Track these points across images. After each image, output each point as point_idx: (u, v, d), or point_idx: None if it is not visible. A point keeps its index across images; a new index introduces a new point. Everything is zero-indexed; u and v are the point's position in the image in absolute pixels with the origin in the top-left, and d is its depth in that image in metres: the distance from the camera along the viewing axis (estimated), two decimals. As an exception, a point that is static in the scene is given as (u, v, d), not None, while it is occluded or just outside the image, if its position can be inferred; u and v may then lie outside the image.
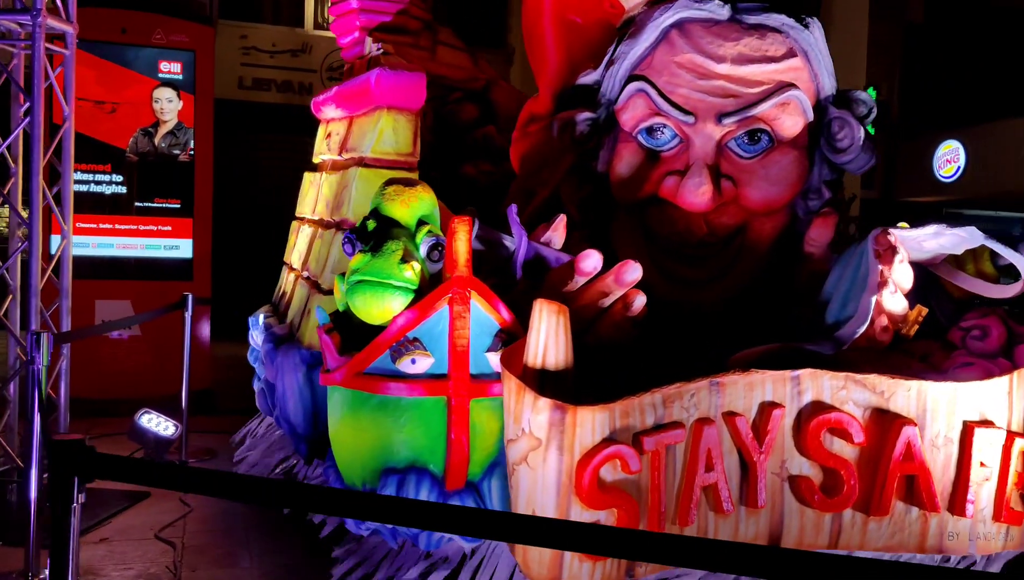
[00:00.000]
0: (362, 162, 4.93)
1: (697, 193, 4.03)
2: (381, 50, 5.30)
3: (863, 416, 3.56)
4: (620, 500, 3.10)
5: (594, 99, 4.47)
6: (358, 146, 5.04)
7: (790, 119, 4.06)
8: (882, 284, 3.78)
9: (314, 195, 5.81)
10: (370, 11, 5.75)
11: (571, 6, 5.12)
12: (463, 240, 3.17)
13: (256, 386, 5.67)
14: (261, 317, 5.78)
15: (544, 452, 3.03)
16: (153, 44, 7.57)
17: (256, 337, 5.95)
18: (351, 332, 3.71)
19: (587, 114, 4.29)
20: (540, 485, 3.04)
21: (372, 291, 3.25)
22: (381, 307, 3.25)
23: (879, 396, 3.56)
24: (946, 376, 3.67)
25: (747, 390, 3.48)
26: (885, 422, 3.53)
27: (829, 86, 4.21)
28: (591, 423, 3.05)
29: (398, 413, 3.34)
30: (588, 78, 4.49)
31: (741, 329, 4.21)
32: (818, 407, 3.52)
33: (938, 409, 3.51)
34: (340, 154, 5.40)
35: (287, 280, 5.88)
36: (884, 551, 3.69)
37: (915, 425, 3.42)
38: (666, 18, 4.09)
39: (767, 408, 3.49)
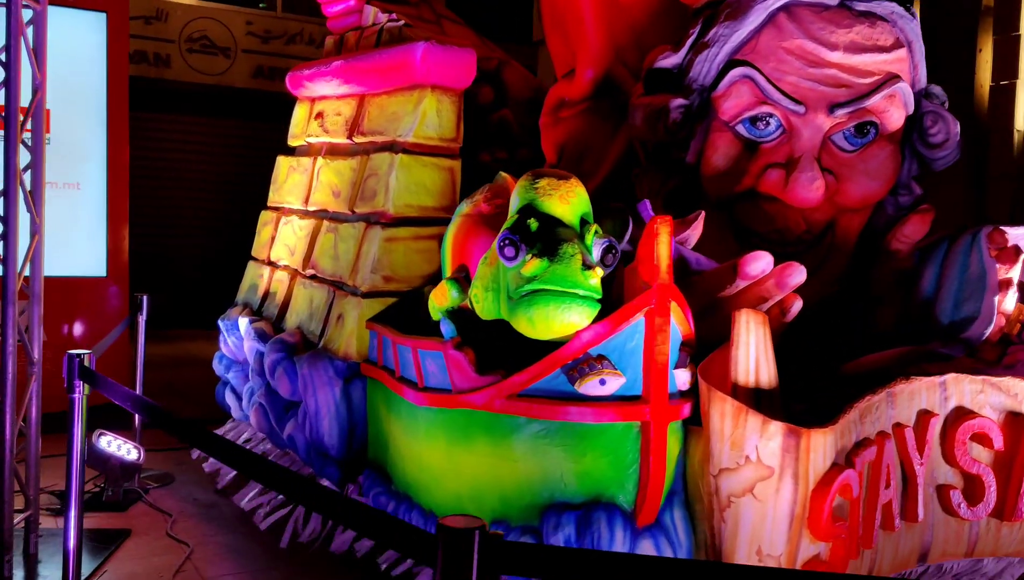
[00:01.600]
0: (396, 147, 4.37)
1: (811, 188, 3.80)
2: (401, 21, 4.73)
3: (999, 420, 3.47)
4: (841, 529, 2.83)
5: (672, 84, 4.14)
6: (387, 129, 4.48)
7: (896, 112, 3.91)
8: (1005, 284, 3.71)
9: (304, 183, 5.15)
10: (368, -23, 5.14)
11: (612, -17, 4.77)
12: (665, 243, 2.77)
13: (249, 400, 4.97)
14: (244, 321, 5.07)
15: (777, 482, 2.71)
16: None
17: (232, 343, 5.24)
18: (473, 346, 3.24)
19: (681, 101, 3.96)
20: (770, 518, 2.72)
21: (556, 302, 2.79)
22: (566, 320, 2.80)
23: (1013, 399, 3.48)
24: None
25: (909, 399, 3.30)
26: (1018, 425, 3.45)
27: (923, 78, 4.09)
28: (823, 447, 2.76)
29: (575, 441, 2.90)
30: (667, 61, 4.15)
31: (831, 331, 4.04)
32: (961, 413, 3.39)
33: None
34: (351, 137, 4.79)
35: (274, 279, 5.19)
36: (1015, 555, 3.64)
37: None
38: (775, 0, 3.83)
39: (923, 417, 3.32)
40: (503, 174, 3.74)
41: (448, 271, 3.71)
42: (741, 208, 4.03)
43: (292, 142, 5.48)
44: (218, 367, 5.49)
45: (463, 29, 5.38)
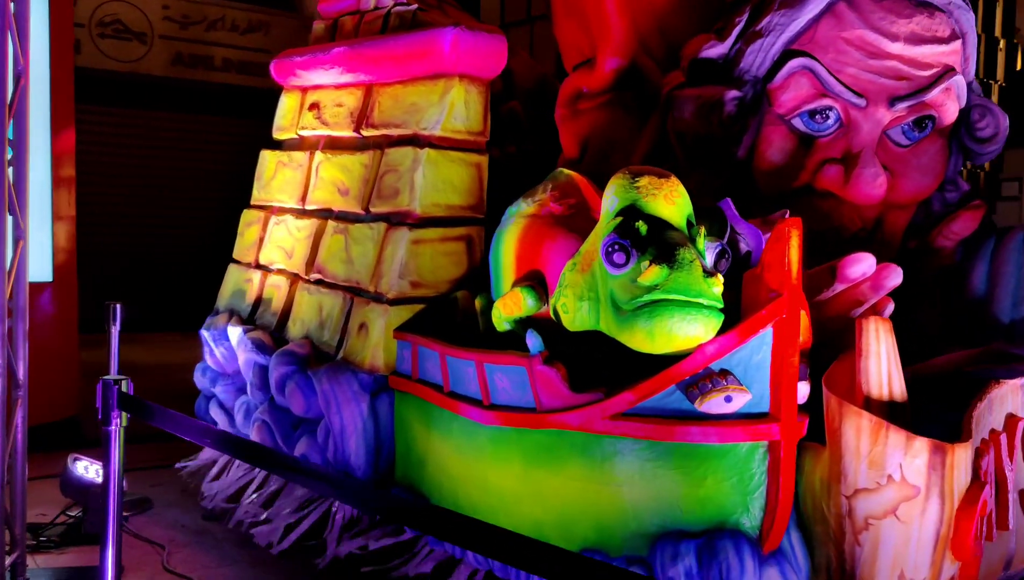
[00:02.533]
0: (420, 141, 4.04)
1: (875, 184, 3.67)
2: (413, 5, 4.38)
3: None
4: (980, 548, 2.68)
5: (717, 75, 3.94)
6: (406, 121, 4.13)
7: (952, 105, 3.80)
8: (1067, 284, 3.64)
9: (299, 179, 4.74)
10: (369, -42, 4.76)
11: (633, -32, 4.53)
12: (796, 247, 2.55)
13: (246, 417, 4.56)
14: (235, 331, 4.65)
15: (923, 502, 2.53)
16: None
17: (221, 354, 4.81)
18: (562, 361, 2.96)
19: (735, 92, 3.76)
20: (914, 540, 2.55)
21: (681, 313, 2.53)
22: (691, 332, 2.55)
23: (1083, 399, 3.41)
24: None
25: (999, 403, 3.18)
26: (1088, 426, 3.38)
27: (973, 70, 4.00)
28: (964, 463, 2.60)
29: (693, 464, 2.66)
30: (713, 51, 3.94)
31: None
32: (1041, 414, 3.30)
33: None
34: (358, 131, 4.42)
35: (267, 284, 4.77)
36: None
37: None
38: (837, -14, 3.67)
39: (1010, 421, 3.21)
40: (566, 171, 3.47)
41: (506, 278, 3.40)
42: (795, 205, 3.85)
43: (279, 135, 5.06)
44: (201, 380, 5.05)
45: (462, 14, 5.05)
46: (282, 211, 4.85)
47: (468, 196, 4.10)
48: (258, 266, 4.92)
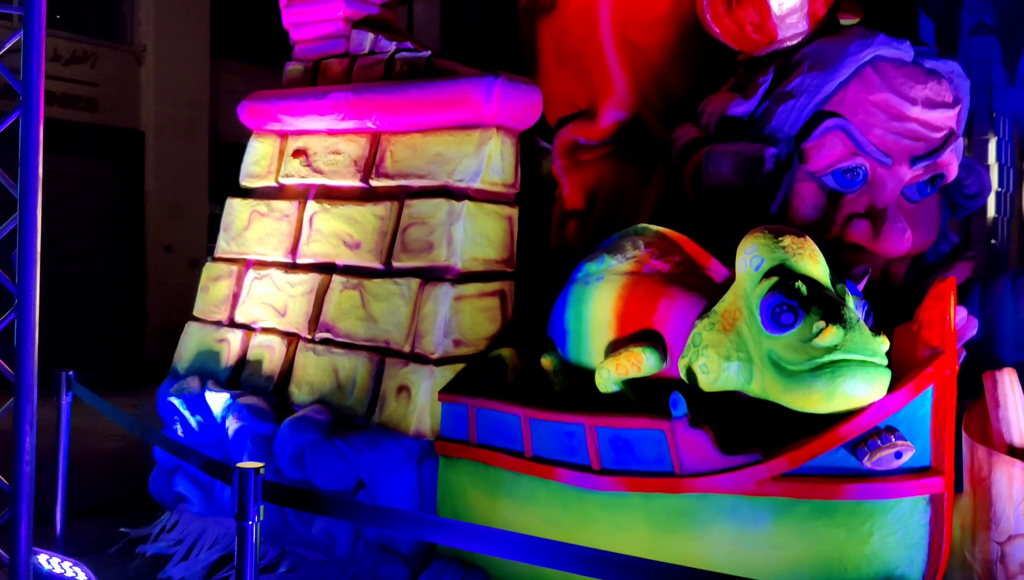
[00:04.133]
0: (455, 193, 3.87)
1: (904, 238, 3.89)
2: (427, 52, 4.21)
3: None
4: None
5: (740, 131, 4.06)
6: (432, 172, 3.96)
7: (955, 165, 4.11)
8: (1064, 325, 4.01)
9: (286, 231, 4.40)
10: (359, 0, 4.54)
11: (631, 25, 4.59)
12: (953, 306, 2.66)
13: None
14: (218, 396, 4.23)
15: (1077, 544, 2.68)
16: None
17: (196, 422, 4.36)
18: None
19: (773, 150, 3.88)
20: (1068, 581, 2.69)
21: (864, 372, 2.57)
22: (872, 391, 2.59)
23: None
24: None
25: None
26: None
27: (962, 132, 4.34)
28: (1100, 504, 2.77)
29: (859, 520, 2.69)
30: (740, 109, 4.06)
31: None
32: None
33: None
34: (365, 181, 4.18)
35: (252, 344, 4.37)
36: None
37: None
38: (867, 53, 3.87)
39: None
40: (652, 227, 3.43)
41: (598, 338, 3.30)
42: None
43: (251, 183, 4.68)
44: (165, 453, 4.53)
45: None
46: (264, 265, 4.48)
47: (502, 250, 3.98)
48: (233, 325, 4.51)
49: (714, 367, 2.84)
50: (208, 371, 4.49)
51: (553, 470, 3.21)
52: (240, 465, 2.41)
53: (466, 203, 3.81)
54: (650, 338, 3.10)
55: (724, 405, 2.92)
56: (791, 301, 2.66)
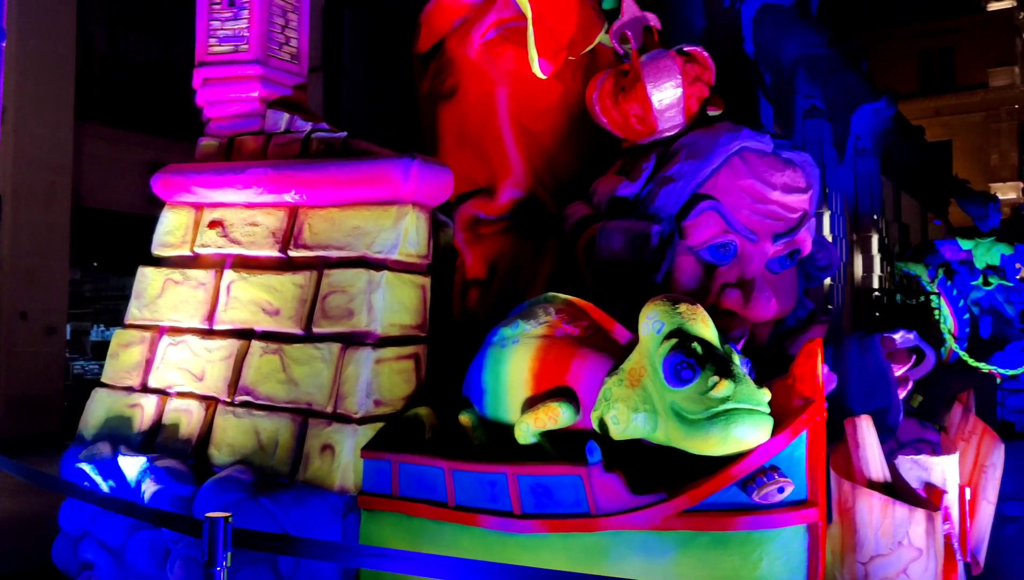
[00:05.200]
0: (374, 264, 4.19)
1: (770, 305, 4.46)
2: (343, 133, 4.54)
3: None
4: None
5: (627, 209, 4.57)
6: (351, 244, 4.27)
7: (809, 241, 4.74)
8: (903, 380, 4.66)
9: (203, 298, 4.58)
10: (273, 81, 4.83)
11: (526, 112, 5.08)
12: (820, 361, 3.18)
13: (154, 555, 4.22)
14: (133, 460, 4.32)
15: (925, 560, 3.20)
16: None
17: (109, 487, 4.43)
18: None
19: (657, 227, 4.39)
20: (920, 592, 3.20)
21: (753, 419, 3.04)
22: (760, 435, 3.06)
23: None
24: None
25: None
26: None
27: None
28: (939, 524, 3.32)
29: (750, 548, 3.13)
30: (627, 190, 4.57)
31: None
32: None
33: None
34: (284, 251, 4.43)
35: (168, 409, 4.49)
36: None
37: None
38: (734, 145, 4.45)
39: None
40: (560, 295, 3.84)
41: (515, 395, 3.66)
42: (700, 322, 4.53)
43: (164, 252, 4.83)
44: (72, 519, 4.55)
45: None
46: (178, 331, 4.63)
47: (417, 316, 4.30)
48: (148, 390, 4.62)
49: (623, 418, 3.25)
50: (119, 436, 4.57)
51: (476, 517, 3.52)
52: (209, 515, 2.62)
53: (385, 273, 4.14)
54: (564, 394, 3.50)
55: (633, 451, 3.32)
56: (689, 359, 3.11)
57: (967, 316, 15.52)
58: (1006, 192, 31.32)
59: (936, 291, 15.77)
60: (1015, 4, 32.81)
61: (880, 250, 19.47)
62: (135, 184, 11.92)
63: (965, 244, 15.87)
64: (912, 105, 30.11)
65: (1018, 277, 16.12)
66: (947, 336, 15.44)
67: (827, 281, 16.26)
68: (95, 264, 13.87)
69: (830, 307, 15.85)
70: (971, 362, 14.86)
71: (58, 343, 12.01)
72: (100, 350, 13.83)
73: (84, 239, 12.48)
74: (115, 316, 13.35)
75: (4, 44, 3.30)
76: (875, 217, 20.05)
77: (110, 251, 13.18)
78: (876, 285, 18.76)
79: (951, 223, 24.83)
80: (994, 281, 15.64)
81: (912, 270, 16.29)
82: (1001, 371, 14.87)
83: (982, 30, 32.70)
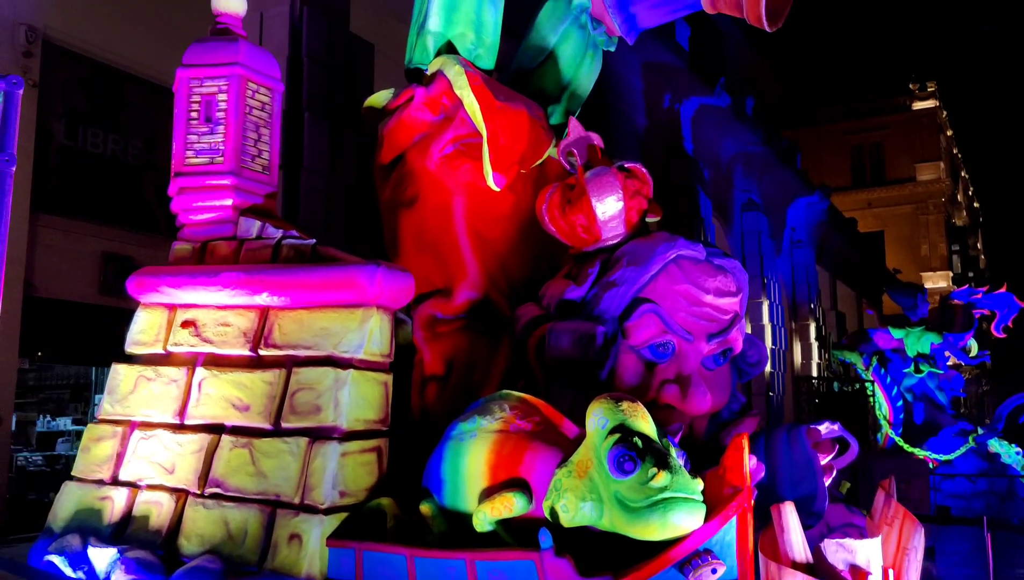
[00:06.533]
0: (340, 362, 4.50)
1: (705, 400, 4.85)
2: (312, 240, 4.89)
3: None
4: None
5: (573, 311, 4.97)
6: (318, 344, 4.58)
7: (740, 340, 5.17)
8: (828, 468, 5.06)
9: (174, 394, 4.83)
10: (246, 191, 5.19)
11: (481, 220, 5.49)
12: (747, 454, 3.55)
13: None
14: (103, 552, 4.50)
15: (843, 633, 3.54)
16: None
17: (80, 577, 4.59)
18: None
19: (602, 328, 4.78)
20: (840, 662, 3.53)
21: (688, 507, 3.39)
22: (695, 521, 3.40)
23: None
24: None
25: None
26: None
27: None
28: (855, 603, 3.67)
29: (685, 626, 3.44)
30: (575, 294, 4.97)
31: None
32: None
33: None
34: (255, 350, 4.73)
35: (138, 501, 4.70)
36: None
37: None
38: (672, 253, 4.89)
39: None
40: (514, 393, 4.18)
41: (472, 486, 3.96)
42: (643, 415, 4.90)
43: (137, 350, 5.09)
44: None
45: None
46: (150, 425, 4.86)
47: (379, 411, 4.61)
48: (118, 483, 4.82)
49: (572, 507, 3.58)
50: (89, 528, 4.74)
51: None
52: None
53: (351, 371, 4.45)
54: (518, 485, 3.82)
55: (581, 537, 3.64)
56: (631, 452, 3.47)
57: (901, 403, 16.12)
58: (937, 281, 32.66)
59: (871, 378, 16.37)
60: (938, 104, 34.75)
61: (817, 338, 20.23)
62: (88, 273, 12.09)
63: (897, 333, 16.55)
64: (845, 197, 31.53)
65: (948, 365, 16.84)
66: (883, 422, 16.00)
67: (767, 368, 16.82)
68: (39, 354, 13.86)
69: (771, 394, 16.43)
70: (907, 447, 15.41)
71: (3, 434, 11.95)
72: (45, 441, 13.74)
73: (34, 328, 12.51)
74: (60, 406, 13.37)
75: (13, 169, 3.59)
76: (812, 306, 20.87)
77: (59, 341, 13.21)
78: (815, 372, 19.40)
79: (883, 312, 25.75)
80: (925, 368, 16.30)
81: (847, 358, 16.92)
82: (934, 456, 15.41)
83: (909, 127, 34.55)
